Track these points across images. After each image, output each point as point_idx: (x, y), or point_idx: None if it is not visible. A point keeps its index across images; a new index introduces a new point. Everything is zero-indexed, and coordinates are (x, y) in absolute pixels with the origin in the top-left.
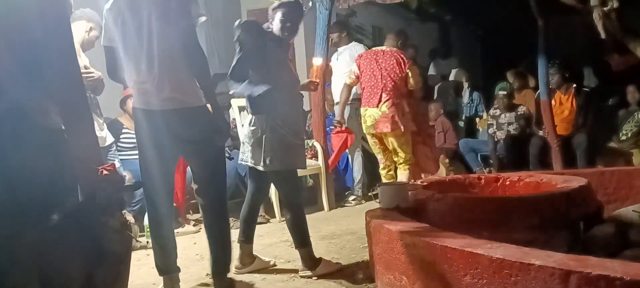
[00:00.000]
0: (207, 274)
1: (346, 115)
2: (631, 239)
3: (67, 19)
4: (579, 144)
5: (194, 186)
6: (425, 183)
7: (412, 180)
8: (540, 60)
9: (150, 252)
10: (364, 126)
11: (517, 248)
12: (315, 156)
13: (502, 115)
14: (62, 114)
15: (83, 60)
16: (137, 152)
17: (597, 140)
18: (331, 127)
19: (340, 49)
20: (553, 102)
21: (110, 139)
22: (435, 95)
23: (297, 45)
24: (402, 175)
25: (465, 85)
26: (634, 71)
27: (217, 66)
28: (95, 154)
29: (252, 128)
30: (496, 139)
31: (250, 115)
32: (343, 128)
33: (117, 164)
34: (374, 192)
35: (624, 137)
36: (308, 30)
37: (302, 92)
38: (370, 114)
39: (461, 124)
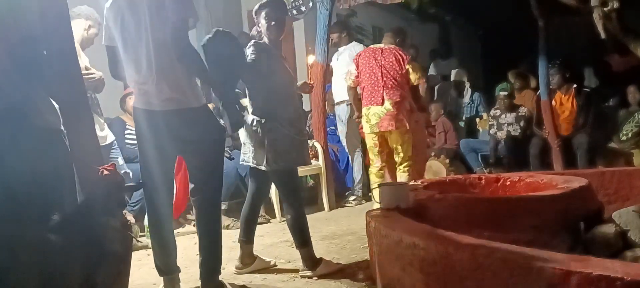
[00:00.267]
0: None
1: (346, 116)
2: (632, 240)
3: (68, 18)
4: (580, 144)
5: (190, 185)
6: (425, 184)
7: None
8: (540, 60)
9: (151, 251)
10: (367, 125)
11: (518, 249)
12: (315, 156)
13: (503, 116)
14: (63, 114)
15: (83, 60)
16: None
17: (597, 141)
18: (332, 128)
19: (340, 49)
20: (553, 102)
21: (111, 138)
22: (435, 96)
23: (297, 45)
24: (402, 176)
25: (467, 85)
26: (635, 71)
27: None
28: (95, 154)
29: (254, 128)
30: (497, 139)
31: (251, 116)
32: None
33: (120, 161)
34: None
35: (624, 138)
36: (308, 30)
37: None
38: (374, 112)
39: (461, 124)
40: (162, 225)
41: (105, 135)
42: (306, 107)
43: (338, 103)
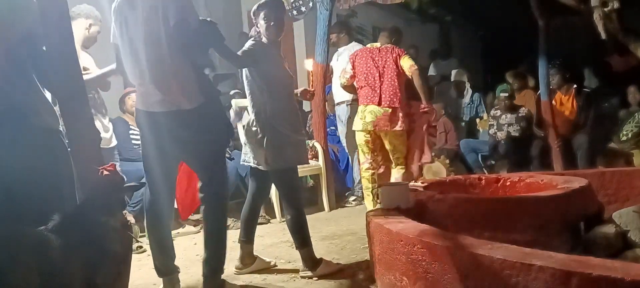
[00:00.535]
0: None
1: (346, 117)
2: (632, 240)
3: (68, 18)
4: (580, 144)
5: (199, 184)
6: (425, 184)
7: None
8: (540, 60)
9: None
10: (360, 122)
11: (518, 249)
12: (315, 156)
13: (503, 116)
14: (63, 114)
15: (85, 59)
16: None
17: (597, 141)
18: (332, 128)
19: (340, 50)
20: (554, 102)
21: (115, 141)
22: (434, 96)
23: (297, 45)
24: (397, 174)
25: (467, 85)
26: (635, 72)
27: (217, 66)
28: (95, 154)
29: (253, 128)
30: (497, 140)
31: (250, 116)
32: None
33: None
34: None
35: (624, 138)
36: (308, 30)
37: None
38: (371, 110)
39: (462, 124)
40: (161, 227)
41: (109, 136)
42: (306, 107)
43: (338, 103)
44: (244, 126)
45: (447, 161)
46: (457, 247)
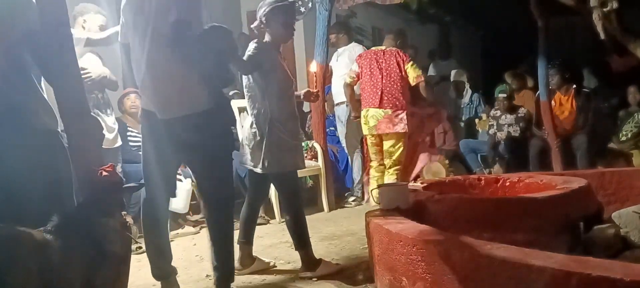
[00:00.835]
0: (208, 275)
1: (345, 117)
2: (631, 240)
3: (67, 18)
4: (579, 144)
5: (197, 192)
6: (425, 184)
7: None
8: (540, 61)
9: None
10: (365, 127)
11: (517, 249)
12: (315, 157)
13: (503, 116)
14: (62, 115)
15: (88, 61)
16: (141, 153)
17: (597, 141)
18: (331, 128)
19: (339, 50)
20: (553, 102)
21: (120, 141)
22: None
23: (297, 45)
24: (389, 178)
25: (467, 85)
26: (634, 72)
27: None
28: (95, 155)
29: (253, 130)
30: (496, 140)
31: (250, 117)
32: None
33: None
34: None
35: (624, 138)
36: (308, 31)
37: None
38: (372, 115)
39: (461, 124)
40: (158, 230)
41: (113, 136)
42: (306, 107)
43: (338, 104)
44: (242, 126)
45: (447, 161)
46: (456, 247)
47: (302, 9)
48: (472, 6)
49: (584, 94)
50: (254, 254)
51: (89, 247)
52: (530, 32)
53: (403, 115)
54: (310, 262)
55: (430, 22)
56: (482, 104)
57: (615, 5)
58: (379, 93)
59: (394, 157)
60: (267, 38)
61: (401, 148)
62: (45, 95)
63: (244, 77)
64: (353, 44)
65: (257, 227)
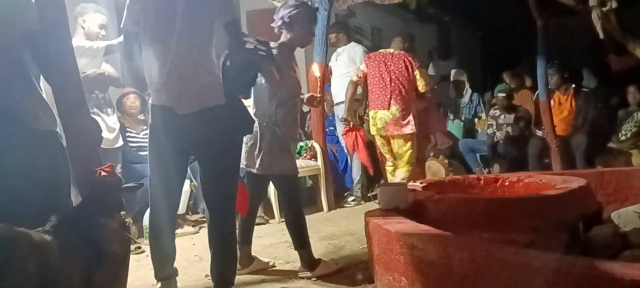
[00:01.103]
0: (207, 275)
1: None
2: (631, 240)
3: (66, 18)
4: (578, 144)
5: (203, 188)
6: (424, 184)
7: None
8: (539, 60)
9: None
10: (374, 128)
11: (516, 249)
12: (314, 157)
13: (502, 116)
14: (61, 115)
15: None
16: (140, 153)
17: (596, 141)
18: (331, 128)
19: (339, 50)
20: (552, 102)
21: (121, 142)
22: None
23: None
24: (400, 173)
25: (467, 85)
26: (634, 71)
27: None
28: (94, 155)
29: (254, 130)
30: (495, 140)
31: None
32: (351, 126)
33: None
34: (373, 193)
35: (623, 138)
36: None
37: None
38: (380, 117)
39: (461, 124)
40: (165, 229)
41: (113, 136)
42: (305, 107)
43: (337, 104)
44: None
45: (446, 161)
46: (456, 247)
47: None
48: (471, 6)
49: (583, 94)
50: (252, 254)
51: (88, 248)
52: (529, 32)
53: (410, 116)
54: (309, 262)
55: (429, 22)
56: (482, 104)
57: (614, 4)
58: (388, 95)
59: (404, 159)
60: (283, 39)
61: (410, 150)
62: (44, 95)
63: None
64: (352, 44)
65: (256, 227)
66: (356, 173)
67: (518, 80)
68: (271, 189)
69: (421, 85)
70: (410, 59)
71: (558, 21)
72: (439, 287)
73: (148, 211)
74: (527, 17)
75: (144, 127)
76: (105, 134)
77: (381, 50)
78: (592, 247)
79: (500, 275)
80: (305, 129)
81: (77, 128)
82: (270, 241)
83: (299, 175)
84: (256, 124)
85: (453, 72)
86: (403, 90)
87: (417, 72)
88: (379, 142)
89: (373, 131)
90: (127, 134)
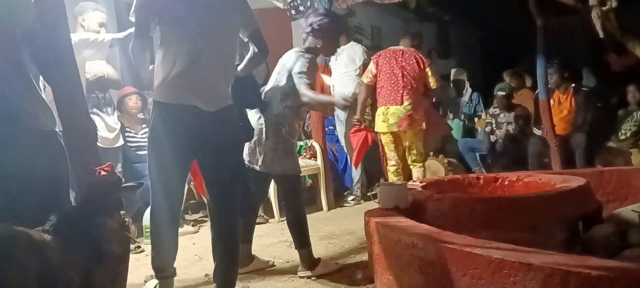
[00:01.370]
0: (206, 275)
1: (345, 116)
2: (630, 239)
3: (65, 18)
4: (578, 143)
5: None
6: (424, 183)
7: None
8: (539, 60)
9: (149, 252)
10: (384, 124)
11: (516, 249)
12: (314, 156)
13: (502, 115)
14: (60, 115)
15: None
16: (139, 153)
17: (596, 140)
18: (330, 128)
19: (338, 49)
20: (552, 101)
21: (121, 141)
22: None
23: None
24: (417, 172)
25: (467, 84)
26: (634, 71)
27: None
28: (93, 155)
29: (260, 127)
30: (494, 139)
31: (257, 115)
32: (362, 126)
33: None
34: (373, 192)
35: (623, 137)
36: None
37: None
38: (392, 112)
39: (460, 123)
40: (168, 227)
41: (113, 136)
42: None
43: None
44: None
45: (446, 160)
46: (455, 246)
47: (301, 8)
48: (471, 5)
49: (583, 93)
50: (252, 253)
51: (87, 247)
52: (529, 31)
53: (422, 112)
54: (309, 261)
55: (429, 21)
56: (482, 103)
57: (614, 4)
58: (400, 91)
59: (414, 152)
60: (309, 45)
61: (422, 142)
62: (44, 95)
63: (275, 80)
64: (352, 43)
65: (256, 226)
66: (356, 173)
67: (518, 80)
68: (271, 188)
69: (433, 82)
70: (420, 56)
71: (558, 21)
72: (439, 287)
73: (148, 210)
74: (526, 16)
75: (144, 127)
76: (105, 134)
77: (391, 48)
78: (591, 246)
79: (500, 275)
80: (305, 128)
81: (77, 128)
82: (270, 240)
83: None
84: (261, 121)
85: (453, 71)
86: (414, 85)
87: (428, 69)
88: (385, 140)
89: (383, 128)
90: (126, 134)
